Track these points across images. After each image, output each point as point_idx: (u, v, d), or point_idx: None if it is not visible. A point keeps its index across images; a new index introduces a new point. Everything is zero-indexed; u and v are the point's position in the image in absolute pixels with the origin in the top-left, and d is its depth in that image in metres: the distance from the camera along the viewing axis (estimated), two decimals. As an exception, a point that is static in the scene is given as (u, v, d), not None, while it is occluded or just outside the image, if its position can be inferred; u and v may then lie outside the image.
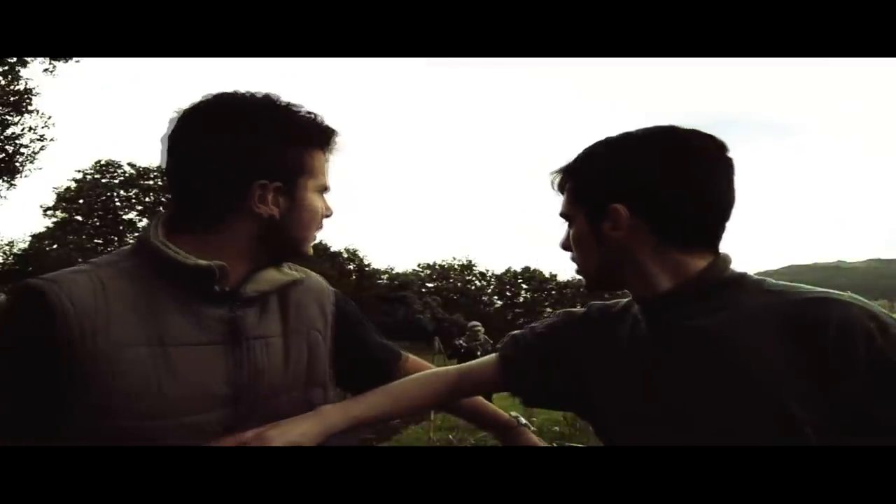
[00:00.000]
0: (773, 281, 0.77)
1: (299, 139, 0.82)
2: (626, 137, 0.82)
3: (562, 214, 0.88)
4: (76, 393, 0.70)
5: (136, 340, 0.73)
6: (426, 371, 1.04)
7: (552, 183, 0.89)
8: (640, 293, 0.82)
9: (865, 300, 0.71)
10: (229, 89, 0.82)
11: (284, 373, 0.86)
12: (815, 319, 0.68)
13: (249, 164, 0.78)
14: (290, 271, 0.89)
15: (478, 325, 8.63)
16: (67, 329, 0.69)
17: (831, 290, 0.72)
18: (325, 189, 0.87)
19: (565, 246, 0.89)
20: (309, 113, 0.83)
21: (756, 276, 0.79)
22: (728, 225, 0.80)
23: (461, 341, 8.18)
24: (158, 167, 43.15)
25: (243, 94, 0.81)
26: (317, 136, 0.83)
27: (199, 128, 0.79)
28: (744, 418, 0.69)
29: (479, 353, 7.93)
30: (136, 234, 0.89)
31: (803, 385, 0.66)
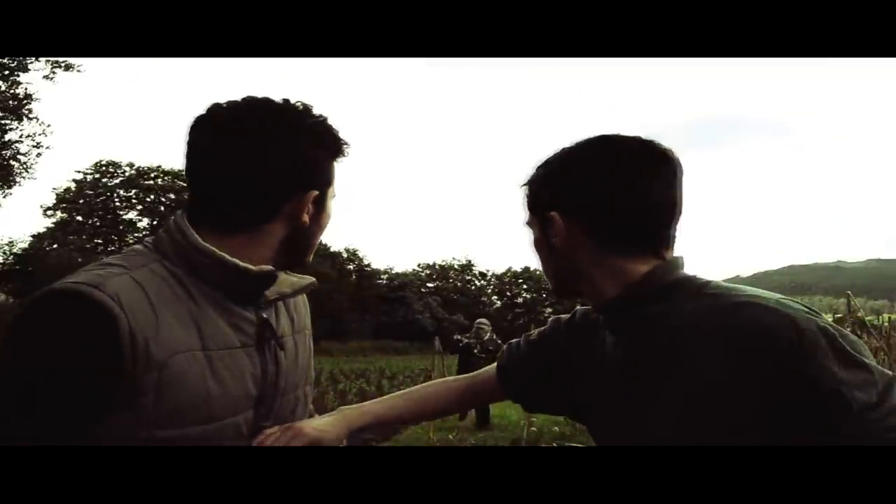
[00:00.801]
0: (718, 283, 0.77)
1: (329, 149, 0.85)
2: (565, 148, 0.85)
3: (525, 223, 0.92)
4: (121, 407, 0.67)
5: (184, 346, 0.72)
6: (440, 380, 1.11)
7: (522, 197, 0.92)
8: (592, 300, 0.84)
9: (799, 306, 0.69)
10: (247, 93, 0.83)
11: (295, 372, 0.89)
12: (738, 324, 0.68)
13: (300, 175, 0.81)
14: (298, 274, 0.91)
15: (484, 323, 8.39)
16: (123, 338, 0.66)
17: (763, 294, 0.71)
18: (333, 196, 0.90)
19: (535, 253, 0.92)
20: (331, 122, 0.86)
21: (702, 280, 0.79)
22: (678, 229, 0.81)
23: (463, 337, 8.12)
24: (158, 167, 43.33)
25: (281, 101, 0.82)
26: (340, 146, 0.86)
27: (244, 133, 0.78)
28: (688, 423, 0.70)
29: (476, 349, 7.81)
30: (152, 235, 0.85)
31: (738, 388, 0.66)
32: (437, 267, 67.85)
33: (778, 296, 0.71)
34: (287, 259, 0.86)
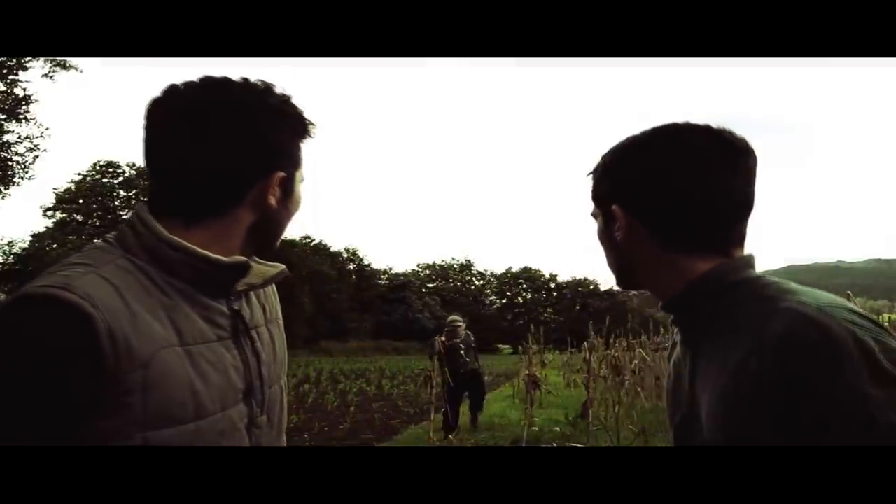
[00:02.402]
0: (781, 284, 0.72)
1: (297, 131, 0.82)
2: (632, 137, 0.80)
3: (591, 214, 0.88)
4: (110, 410, 0.64)
5: (163, 342, 0.69)
6: None
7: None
8: (657, 297, 0.81)
9: (846, 315, 0.63)
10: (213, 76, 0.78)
11: (274, 362, 0.87)
12: (773, 331, 0.64)
13: (265, 156, 0.77)
14: (268, 262, 0.88)
15: (458, 320, 7.71)
16: (101, 337, 0.63)
17: (812, 301, 0.65)
18: (302, 181, 0.86)
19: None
20: (297, 102, 0.82)
21: (768, 280, 0.73)
22: (748, 226, 0.77)
23: (443, 339, 7.18)
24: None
25: (244, 82, 0.78)
26: (305, 126, 0.83)
27: (203, 114, 0.74)
28: (722, 430, 0.68)
29: (461, 350, 7.34)
30: (119, 229, 0.81)
31: (767, 397, 0.63)
32: (436, 267, 67.87)
33: (831, 300, 0.66)
34: (254, 246, 0.83)
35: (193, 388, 0.71)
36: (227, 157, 0.75)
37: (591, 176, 0.85)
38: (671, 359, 0.91)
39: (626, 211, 0.77)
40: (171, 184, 0.76)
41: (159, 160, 0.76)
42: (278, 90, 0.79)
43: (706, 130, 0.75)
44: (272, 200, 0.79)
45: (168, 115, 0.75)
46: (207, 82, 0.77)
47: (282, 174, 0.79)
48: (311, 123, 0.83)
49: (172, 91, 0.76)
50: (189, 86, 0.76)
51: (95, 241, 0.77)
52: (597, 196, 0.83)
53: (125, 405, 0.65)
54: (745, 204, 0.75)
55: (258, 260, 0.86)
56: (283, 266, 0.87)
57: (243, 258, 0.78)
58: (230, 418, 0.76)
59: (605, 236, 0.83)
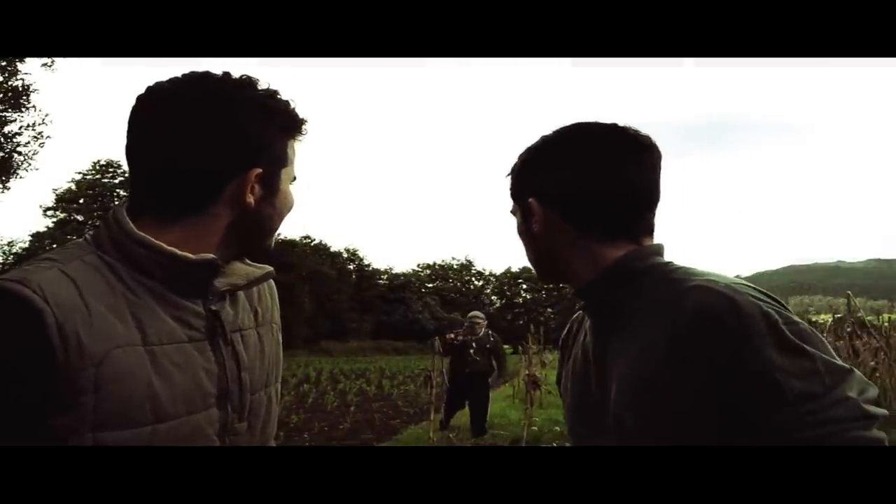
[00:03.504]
0: (686, 269, 0.77)
1: (283, 126, 0.80)
2: (543, 136, 0.86)
3: (510, 212, 0.93)
4: (61, 408, 0.63)
5: (123, 341, 0.67)
6: None
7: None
8: (572, 286, 0.86)
9: (749, 290, 0.68)
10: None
11: (261, 367, 0.84)
12: (683, 307, 0.68)
13: (242, 151, 0.75)
14: (256, 264, 0.86)
15: (479, 317, 7.26)
16: (50, 332, 0.62)
17: (716, 278, 0.70)
18: (294, 180, 0.84)
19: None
20: (286, 98, 0.80)
21: (673, 266, 0.78)
22: (652, 214, 0.82)
23: (450, 335, 6.99)
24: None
25: (223, 76, 0.76)
26: (296, 124, 0.81)
27: (182, 110, 0.73)
28: (637, 409, 0.71)
29: (472, 348, 6.81)
30: (94, 227, 0.81)
31: (680, 371, 0.66)
32: (436, 267, 67.86)
33: (733, 279, 0.71)
34: (241, 247, 0.81)
35: (153, 390, 0.68)
36: (200, 151, 0.73)
37: (509, 175, 0.90)
38: (572, 347, 0.94)
39: (542, 203, 0.82)
40: (146, 181, 0.75)
41: (136, 157, 0.75)
42: (262, 85, 0.77)
43: (614, 128, 0.82)
44: (250, 198, 0.76)
45: (144, 111, 0.75)
46: (186, 77, 0.76)
47: (259, 171, 0.76)
48: (302, 120, 0.81)
49: (152, 87, 0.75)
50: (169, 81, 0.75)
51: (78, 239, 0.76)
52: (515, 192, 0.88)
53: (77, 404, 0.63)
54: (651, 195, 0.81)
55: (248, 262, 0.84)
56: (269, 268, 0.86)
57: (211, 255, 0.75)
58: (196, 423, 0.73)
59: (524, 230, 0.87)
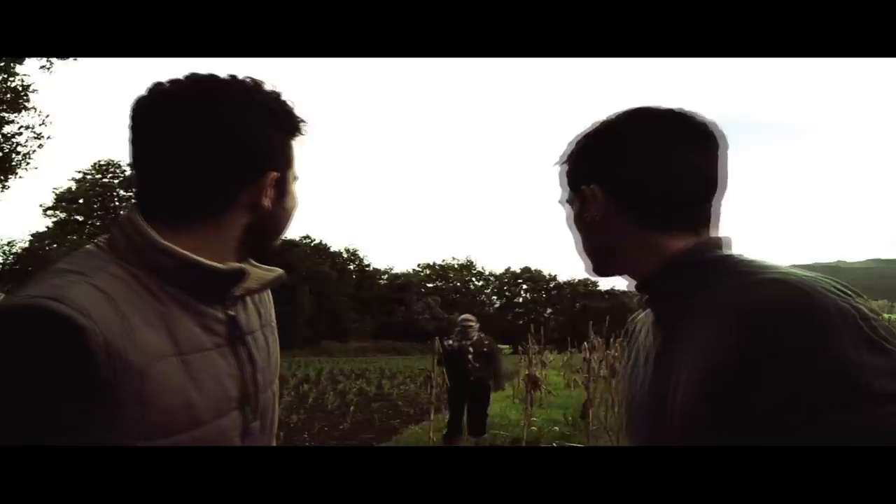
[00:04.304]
0: (758, 262, 0.72)
1: (288, 128, 0.80)
2: (602, 121, 0.82)
3: (566, 201, 0.89)
4: (103, 423, 0.62)
5: (159, 352, 0.67)
6: None
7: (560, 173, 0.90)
8: (632, 278, 0.82)
9: (829, 284, 0.65)
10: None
11: (268, 367, 0.86)
12: (756, 300, 0.64)
13: (258, 155, 0.75)
14: (264, 266, 0.87)
15: (471, 320, 6.53)
16: (97, 350, 0.60)
17: (793, 272, 0.67)
18: (296, 179, 0.85)
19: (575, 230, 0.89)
20: (287, 99, 0.80)
21: (743, 258, 0.74)
22: (719, 207, 0.78)
23: (449, 341, 6.36)
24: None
25: (232, 80, 0.75)
26: (298, 125, 0.81)
27: (190, 114, 0.72)
28: (704, 405, 0.68)
29: (470, 354, 6.19)
30: (110, 233, 0.75)
31: (752, 366, 0.63)
32: (436, 267, 67.90)
33: (813, 274, 0.67)
34: (251, 248, 0.81)
35: (189, 399, 0.69)
36: (217, 157, 0.72)
37: (563, 162, 0.87)
38: (630, 341, 0.92)
39: (603, 191, 0.79)
40: (161, 186, 0.74)
41: (147, 161, 0.74)
42: (268, 87, 0.77)
43: (679, 114, 0.78)
44: (266, 201, 0.76)
45: (154, 114, 0.73)
46: (194, 80, 0.74)
47: (276, 174, 0.77)
48: (303, 121, 0.81)
49: (158, 90, 0.73)
50: (175, 84, 0.73)
51: (86, 246, 0.74)
52: (573, 179, 0.85)
53: (119, 417, 0.63)
54: (715, 183, 0.78)
55: (255, 263, 0.84)
56: (280, 271, 0.86)
57: (240, 266, 0.76)
58: (223, 427, 0.74)
59: (580, 220, 0.84)
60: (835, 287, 0.65)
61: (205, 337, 0.73)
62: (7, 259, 32.80)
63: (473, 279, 68.83)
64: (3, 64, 18.25)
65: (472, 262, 68.93)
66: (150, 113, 0.73)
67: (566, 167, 0.86)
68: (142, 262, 0.70)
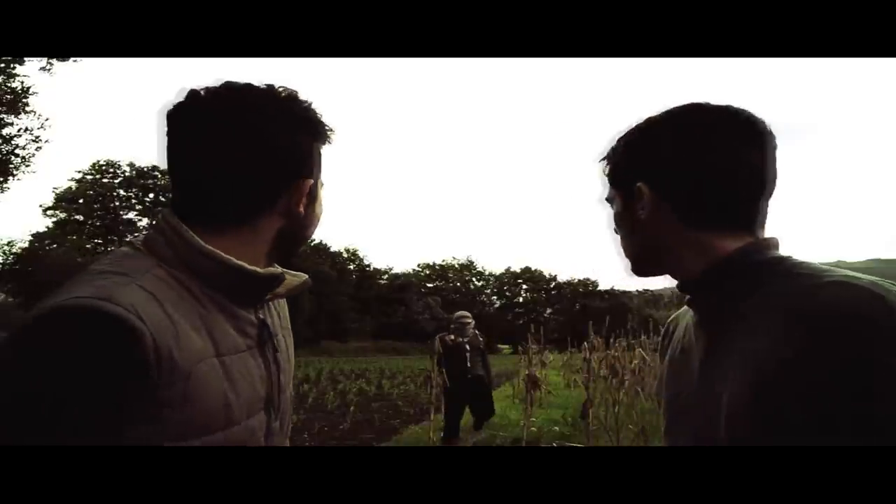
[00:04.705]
0: (814, 264, 0.70)
1: (319, 136, 0.82)
2: (654, 116, 0.80)
3: (606, 199, 0.87)
4: (143, 421, 0.63)
5: (202, 353, 0.69)
6: None
7: (601, 170, 0.88)
8: (677, 278, 0.80)
9: (887, 285, 0.61)
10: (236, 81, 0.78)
11: (287, 369, 0.88)
12: (822, 302, 0.61)
13: (296, 162, 0.78)
14: (288, 270, 0.89)
15: (468, 316, 6.58)
16: (147, 351, 0.61)
17: (859, 275, 0.64)
18: (323, 185, 0.88)
19: (615, 230, 0.87)
20: (317, 108, 0.83)
21: (797, 260, 0.71)
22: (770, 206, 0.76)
23: (451, 336, 6.34)
24: (154, 167, 43.42)
25: (269, 89, 0.78)
26: (326, 132, 0.84)
27: (232, 122, 0.74)
28: (755, 409, 0.65)
29: (467, 351, 6.24)
30: (143, 236, 0.74)
31: (814, 371, 0.60)
32: (436, 267, 67.91)
33: (876, 278, 0.64)
34: (279, 253, 0.83)
35: (226, 399, 0.71)
36: (256, 165, 0.74)
37: (609, 157, 0.85)
38: (668, 347, 0.90)
39: (653, 188, 0.76)
40: (200, 192, 0.75)
41: (186, 168, 0.75)
42: (301, 97, 0.80)
43: (732, 110, 0.76)
44: (300, 208, 0.79)
45: (194, 121, 0.74)
46: (232, 88, 0.76)
47: (310, 181, 0.80)
48: (332, 129, 0.83)
49: (196, 97, 0.75)
50: (213, 92, 0.75)
51: (122, 247, 0.75)
52: (619, 176, 0.82)
53: (160, 417, 0.63)
54: (767, 182, 0.75)
55: (280, 268, 0.86)
56: (306, 276, 0.88)
57: (279, 270, 0.80)
58: (252, 427, 0.76)
59: (626, 218, 0.81)
60: None
61: (239, 339, 0.76)
62: (7, 259, 32.78)
63: (473, 279, 68.83)
64: (2, 65, 18.24)
65: (472, 262, 68.93)
66: (189, 121, 0.75)
67: (608, 165, 0.84)
68: (184, 265, 0.72)
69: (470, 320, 6.47)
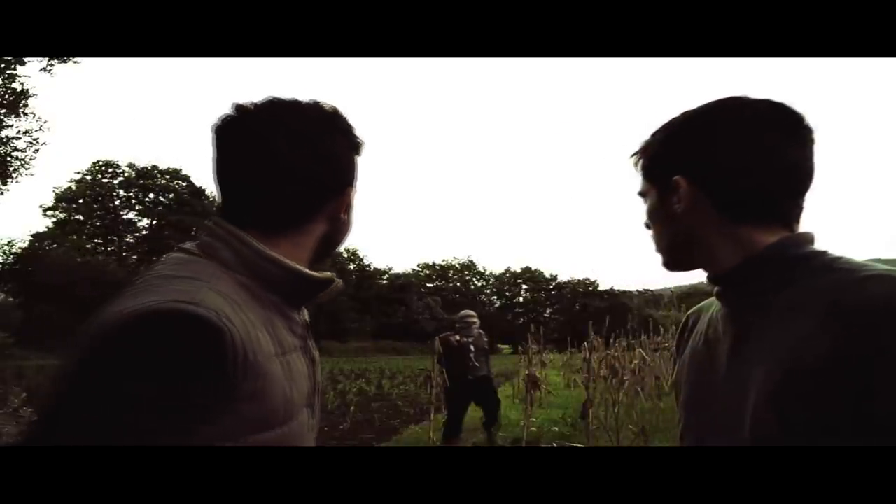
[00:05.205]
0: (852, 259, 0.69)
1: (357, 147, 0.89)
2: (693, 110, 0.81)
3: (639, 193, 0.88)
4: (223, 416, 0.66)
5: (272, 352, 0.74)
6: None
7: (634, 165, 0.88)
8: (710, 271, 0.80)
9: None
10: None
11: (320, 369, 0.95)
12: (861, 297, 0.61)
13: (343, 173, 0.85)
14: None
15: (473, 316, 6.53)
16: (231, 351, 0.65)
17: (886, 268, 0.64)
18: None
19: (647, 224, 0.87)
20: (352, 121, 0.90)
21: (834, 255, 0.71)
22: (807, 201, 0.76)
23: (456, 336, 6.27)
24: (154, 167, 43.43)
25: (316, 104, 0.84)
26: (361, 143, 0.90)
27: (289, 135, 0.79)
28: (782, 402, 0.65)
29: (471, 351, 6.19)
30: (196, 243, 0.80)
31: (851, 366, 0.60)
32: (436, 267, 67.91)
33: None
34: (317, 256, 0.89)
35: (287, 395, 0.75)
36: (315, 175, 0.80)
37: (643, 151, 0.85)
38: (688, 342, 0.89)
39: (691, 181, 0.77)
40: (257, 200, 0.80)
41: (241, 177, 0.80)
42: (341, 111, 0.87)
43: (769, 103, 0.76)
44: (344, 214, 0.87)
45: (249, 134, 0.79)
46: (285, 103, 0.82)
47: (354, 189, 0.87)
48: (363, 141, 0.90)
49: (247, 111, 0.80)
50: (267, 106, 0.80)
51: (174, 253, 0.78)
52: (655, 169, 0.82)
53: (237, 412, 0.67)
54: (805, 176, 0.75)
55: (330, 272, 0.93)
56: (340, 281, 0.92)
57: (331, 274, 0.85)
58: (302, 423, 0.80)
59: (661, 211, 0.81)
60: None
61: (292, 339, 0.81)
62: (7, 259, 32.79)
63: (473, 279, 68.84)
64: (2, 66, 18.23)
65: (472, 262, 68.94)
66: (244, 133, 0.79)
67: (646, 157, 0.85)
68: (247, 270, 0.77)
69: (475, 320, 6.45)
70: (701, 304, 0.94)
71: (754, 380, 0.69)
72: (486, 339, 6.53)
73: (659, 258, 0.86)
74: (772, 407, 0.66)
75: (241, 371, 0.66)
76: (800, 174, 0.74)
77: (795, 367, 0.64)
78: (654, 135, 0.84)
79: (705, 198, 0.76)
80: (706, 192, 0.76)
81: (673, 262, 0.84)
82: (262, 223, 0.80)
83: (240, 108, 0.80)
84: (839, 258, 0.70)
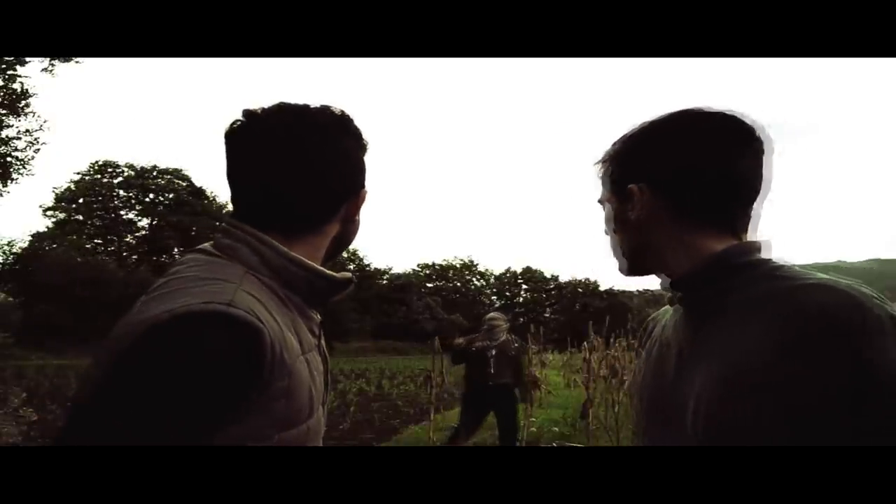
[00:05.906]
0: (795, 267, 0.73)
1: (365, 149, 0.90)
2: (649, 121, 0.83)
3: (598, 200, 0.90)
4: (254, 413, 0.68)
5: (297, 351, 0.76)
6: None
7: (596, 173, 0.91)
8: (664, 276, 0.82)
9: (872, 293, 0.65)
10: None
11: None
12: (801, 303, 0.64)
13: (358, 175, 0.87)
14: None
15: (498, 319, 5.72)
16: (265, 350, 0.67)
17: (837, 279, 0.67)
18: None
19: (605, 231, 0.90)
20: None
21: (778, 263, 0.74)
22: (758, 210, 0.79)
23: (478, 342, 5.54)
24: (154, 167, 43.40)
25: (324, 108, 0.85)
26: (366, 145, 0.91)
27: (303, 139, 0.80)
28: (727, 405, 0.67)
29: (491, 357, 5.40)
30: (215, 244, 0.81)
31: (791, 370, 0.62)
32: (437, 267, 67.90)
33: (854, 281, 0.67)
34: (328, 256, 0.90)
35: (311, 393, 0.77)
36: (331, 178, 0.82)
37: (605, 160, 0.87)
38: (647, 340, 0.92)
39: (647, 189, 0.79)
40: (279, 204, 0.80)
41: (257, 180, 0.80)
42: (349, 114, 0.88)
43: (723, 115, 0.79)
44: (358, 215, 0.89)
45: (263, 138, 0.79)
46: (293, 108, 0.82)
47: (366, 190, 0.89)
48: (368, 143, 0.92)
49: (258, 116, 0.80)
50: (274, 112, 0.81)
51: (192, 255, 0.78)
52: (616, 177, 0.85)
53: (269, 410, 0.69)
54: (757, 187, 0.78)
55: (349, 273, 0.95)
56: (352, 278, 0.93)
57: (349, 274, 0.87)
58: (320, 418, 0.83)
59: (619, 218, 0.84)
60: (875, 294, 0.65)
61: (311, 338, 0.83)
62: (7, 259, 32.77)
63: (474, 279, 68.83)
64: (3, 66, 18.22)
65: (472, 262, 68.92)
66: (258, 137, 0.80)
67: (606, 166, 0.87)
68: (270, 271, 0.78)
69: (500, 323, 5.65)
70: (660, 310, 0.97)
71: (698, 383, 0.72)
72: (516, 345, 5.63)
73: (616, 264, 0.89)
74: (716, 406, 0.68)
75: (276, 370, 0.68)
76: (750, 184, 0.77)
77: (736, 371, 0.67)
78: (614, 144, 0.87)
79: (660, 206, 0.79)
80: (661, 200, 0.79)
81: (630, 267, 0.87)
82: (283, 225, 0.81)
83: (253, 114, 0.81)
84: (782, 266, 0.73)
